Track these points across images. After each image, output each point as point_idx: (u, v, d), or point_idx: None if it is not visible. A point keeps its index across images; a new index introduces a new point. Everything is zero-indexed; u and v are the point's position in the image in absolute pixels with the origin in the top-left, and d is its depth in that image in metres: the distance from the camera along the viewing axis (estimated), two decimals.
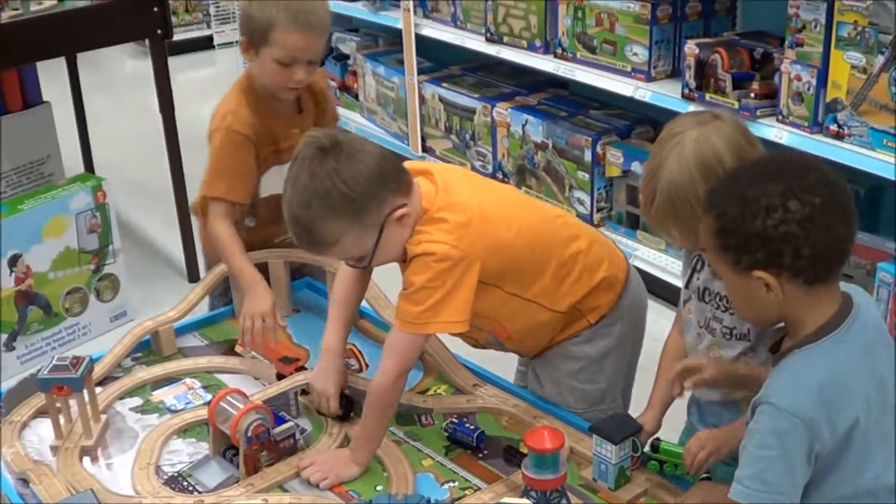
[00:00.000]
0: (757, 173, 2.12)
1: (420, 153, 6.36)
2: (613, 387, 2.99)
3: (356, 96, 7.09)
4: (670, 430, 2.77)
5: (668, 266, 4.91)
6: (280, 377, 3.06)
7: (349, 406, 2.93)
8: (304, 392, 2.97)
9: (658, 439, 2.67)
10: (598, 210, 5.22)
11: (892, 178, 3.89)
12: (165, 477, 2.74)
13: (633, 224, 5.15)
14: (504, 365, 3.15)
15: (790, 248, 2.04)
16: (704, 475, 2.53)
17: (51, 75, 6.24)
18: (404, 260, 2.72)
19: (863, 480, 2.16)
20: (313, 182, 2.56)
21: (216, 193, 3.32)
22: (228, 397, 2.74)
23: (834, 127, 4.05)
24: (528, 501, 2.21)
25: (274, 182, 3.36)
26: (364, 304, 3.22)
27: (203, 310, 3.45)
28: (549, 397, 2.98)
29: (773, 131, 4.22)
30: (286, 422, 2.79)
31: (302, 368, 3.07)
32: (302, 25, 3.18)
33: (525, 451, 2.51)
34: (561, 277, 2.84)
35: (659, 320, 4.89)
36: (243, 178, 3.33)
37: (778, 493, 2.10)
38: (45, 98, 5.82)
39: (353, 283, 3.05)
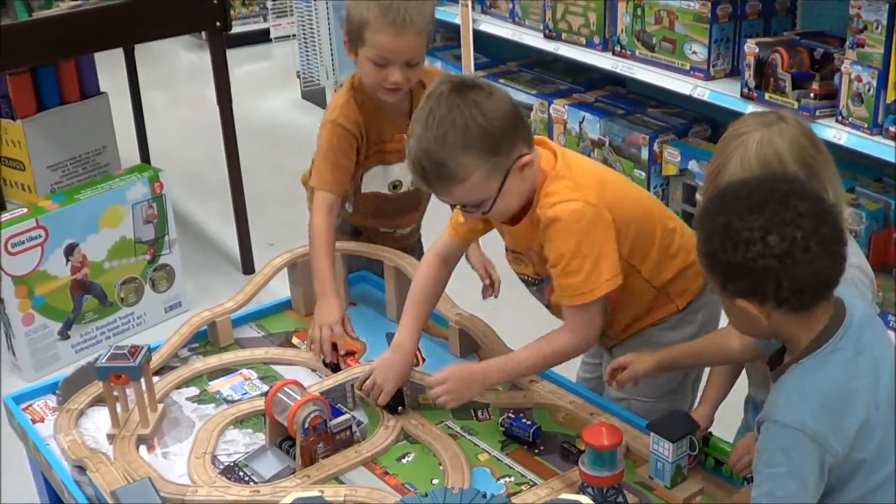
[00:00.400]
0: (743, 201, 2.09)
1: None
2: (688, 378, 2.98)
3: None
4: (725, 429, 2.76)
5: None
6: (336, 369, 3.07)
7: (399, 400, 2.93)
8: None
9: (711, 433, 2.67)
10: None
11: None
12: (221, 467, 2.74)
13: (688, 223, 5.09)
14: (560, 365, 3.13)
15: (771, 281, 2.04)
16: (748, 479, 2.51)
17: (108, 67, 6.28)
18: (516, 221, 2.75)
19: (882, 473, 2.15)
20: (452, 114, 2.56)
21: (318, 185, 3.33)
22: (286, 388, 2.74)
23: (894, 129, 4.01)
24: (586, 498, 2.19)
25: (376, 179, 3.41)
26: None
27: (260, 301, 3.45)
28: (626, 390, 2.96)
29: (832, 132, 4.18)
30: (343, 413, 2.80)
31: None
32: (392, 25, 3.09)
33: (582, 447, 2.51)
34: (664, 249, 2.85)
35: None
36: (343, 172, 3.32)
37: None
38: (102, 89, 5.86)
39: (431, 281, 3.04)
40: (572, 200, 2.64)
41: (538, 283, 2.91)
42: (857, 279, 2.39)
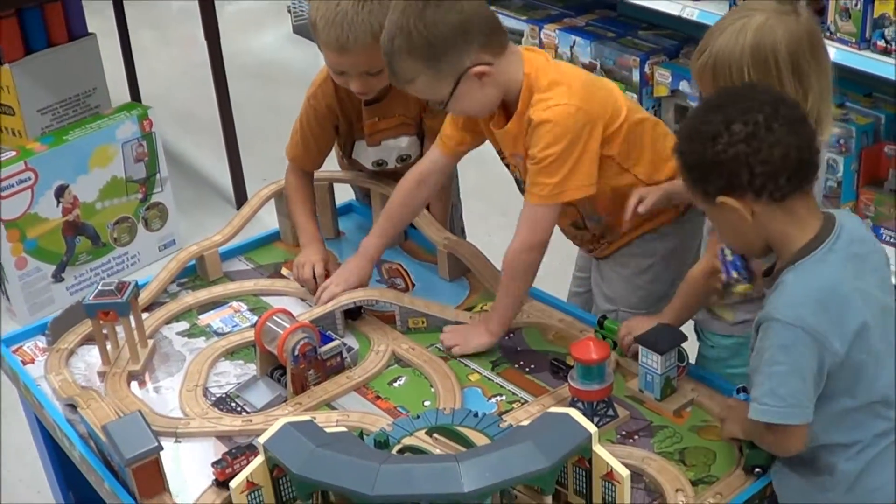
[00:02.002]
0: (704, 108, 2.22)
1: None
2: (673, 289, 2.97)
3: None
4: None
5: None
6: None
7: (357, 311, 2.98)
8: (350, 315, 2.98)
9: (605, 317, 2.80)
10: None
11: None
12: (213, 398, 2.74)
13: None
14: (550, 284, 3.12)
15: (744, 168, 2.10)
16: (740, 388, 2.52)
17: (96, 7, 6.23)
18: (503, 124, 2.79)
19: (880, 386, 2.19)
20: (399, 18, 2.62)
21: (290, 157, 3.34)
22: (275, 317, 2.73)
23: (882, 42, 3.97)
24: (574, 410, 2.19)
25: (361, 154, 3.40)
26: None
27: (248, 234, 3.43)
28: (612, 295, 3.02)
29: None
30: (333, 340, 2.79)
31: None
32: (336, 44, 2.94)
33: (571, 363, 2.50)
34: (656, 152, 2.88)
35: None
36: (314, 148, 3.31)
37: (793, 405, 2.12)
38: (90, 30, 5.81)
39: (405, 198, 3.06)
40: (565, 105, 2.66)
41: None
42: None
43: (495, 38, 2.70)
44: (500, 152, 2.97)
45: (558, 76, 2.73)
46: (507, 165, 2.99)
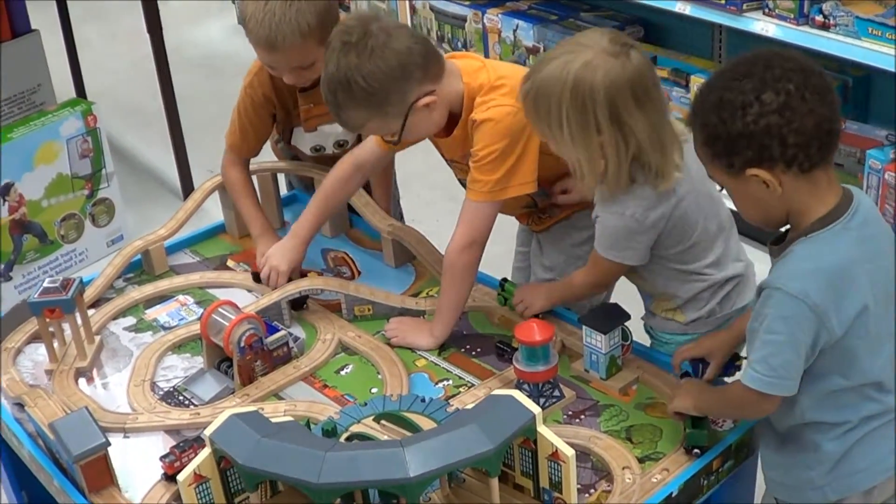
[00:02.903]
0: (729, 75, 2.11)
1: None
2: None
3: (347, 9, 7.03)
4: None
5: None
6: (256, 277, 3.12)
7: (302, 301, 2.98)
8: (295, 305, 2.98)
9: (506, 279, 2.92)
10: None
11: (879, 66, 3.86)
12: (161, 393, 2.74)
13: None
14: (494, 268, 3.13)
15: (776, 139, 2.04)
16: (684, 373, 2.55)
17: (38, 3, 6.17)
18: (448, 133, 2.81)
19: (874, 370, 2.19)
20: (337, 73, 2.63)
21: (228, 143, 3.34)
22: (220, 309, 2.73)
23: (820, 17, 4.01)
24: (517, 392, 2.20)
25: (300, 141, 3.41)
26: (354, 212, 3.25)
27: (194, 226, 3.43)
28: (550, 265, 3.06)
29: (759, 24, 4.18)
30: (279, 330, 2.79)
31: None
32: (265, 43, 2.97)
33: (517, 345, 2.51)
34: None
35: None
36: (252, 135, 3.31)
37: (783, 377, 2.13)
38: (33, 27, 5.76)
39: (340, 182, 3.09)
40: (506, 105, 2.68)
41: None
42: None
43: (433, 66, 2.71)
44: (443, 156, 2.99)
45: (496, 78, 2.75)
46: (453, 169, 3.02)
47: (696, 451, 2.37)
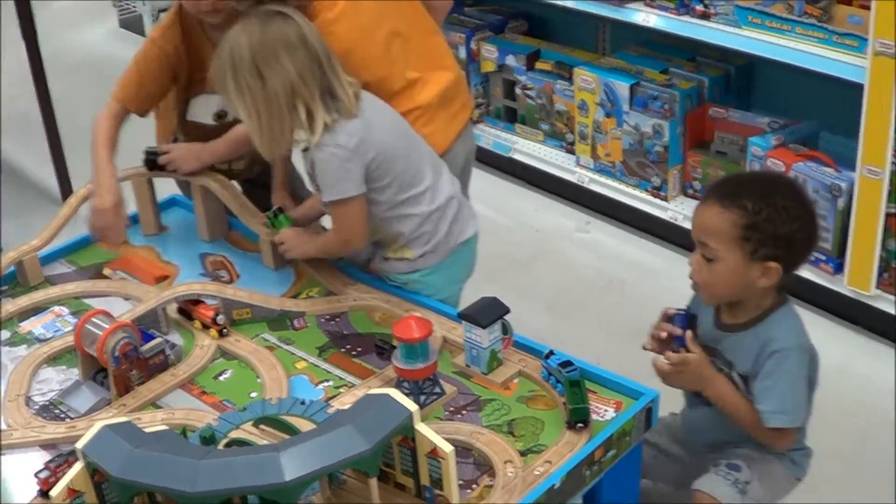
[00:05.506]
0: (779, 184, 2.69)
1: None
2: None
3: None
4: None
5: (546, 157, 4.93)
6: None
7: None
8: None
9: (281, 210, 3.13)
10: (477, 107, 5.16)
11: (761, 54, 3.90)
12: (37, 407, 2.67)
13: (510, 118, 5.13)
14: None
15: (803, 251, 2.53)
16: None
17: None
18: None
19: None
20: None
21: (117, 95, 3.31)
22: (93, 319, 2.67)
23: (700, 7, 4.04)
24: (394, 391, 2.17)
25: (200, 109, 3.37)
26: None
27: (69, 235, 3.35)
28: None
29: (640, 15, 4.21)
30: (155, 338, 2.73)
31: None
32: None
33: (396, 343, 2.48)
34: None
35: (537, 209, 4.91)
36: (148, 89, 3.30)
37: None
38: None
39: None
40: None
41: None
42: None
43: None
44: None
45: None
46: None
47: (579, 425, 2.38)
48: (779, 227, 2.45)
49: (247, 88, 2.71)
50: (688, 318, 2.62)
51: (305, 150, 2.82)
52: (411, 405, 2.12)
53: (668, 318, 2.63)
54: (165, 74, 3.28)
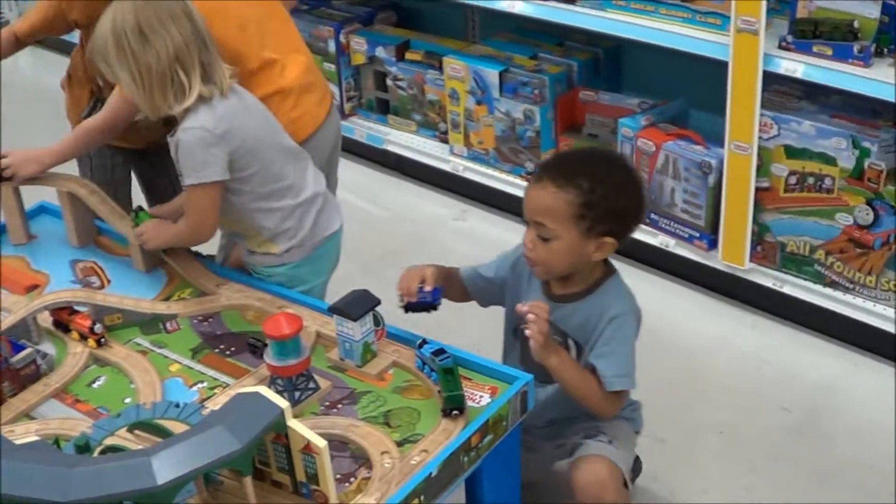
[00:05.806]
0: (609, 160, 2.86)
1: None
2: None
3: None
4: None
5: (420, 147, 4.93)
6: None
7: None
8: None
9: (141, 208, 3.15)
10: (349, 100, 5.15)
11: (627, 36, 3.94)
12: None
13: (383, 110, 5.11)
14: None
15: (634, 223, 2.66)
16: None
17: None
18: None
19: None
20: None
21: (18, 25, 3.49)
22: None
23: None
24: (264, 388, 2.16)
25: None
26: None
27: None
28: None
29: (506, 3, 4.21)
30: (25, 348, 2.69)
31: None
32: None
33: (268, 341, 2.48)
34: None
35: (413, 199, 4.92)
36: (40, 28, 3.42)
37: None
38: None
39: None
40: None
41: None
42: None
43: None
44: None
45: None
46: None
47: (454, 412, 2.40)
48: (613, 203, 2.56)
49: (130, 53, 2.71)
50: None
51: (172, 134, 2.81)
52: (282, 402, 2.12)
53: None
54: (62, 21, 3.38)
